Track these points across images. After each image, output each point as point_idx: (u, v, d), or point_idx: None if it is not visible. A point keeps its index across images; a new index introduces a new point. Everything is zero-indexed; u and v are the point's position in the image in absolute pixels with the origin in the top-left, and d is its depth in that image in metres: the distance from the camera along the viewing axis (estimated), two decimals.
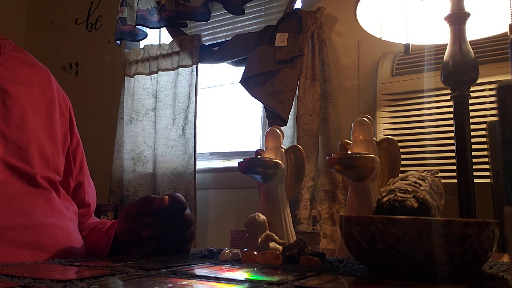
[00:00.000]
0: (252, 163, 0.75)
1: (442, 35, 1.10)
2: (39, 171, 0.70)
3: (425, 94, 1.48)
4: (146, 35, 2.26)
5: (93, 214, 0.89)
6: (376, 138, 0.75)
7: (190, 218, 0.67)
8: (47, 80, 0.79)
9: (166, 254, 0.64)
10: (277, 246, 0.62)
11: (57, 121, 0.77)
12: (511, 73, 0.49)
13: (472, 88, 1.01)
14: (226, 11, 2.03)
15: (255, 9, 2.09)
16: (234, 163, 2.18)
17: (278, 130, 0.82)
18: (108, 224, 0.78)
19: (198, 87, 2.08)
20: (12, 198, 0.65)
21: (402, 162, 0.75)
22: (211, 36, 2.22)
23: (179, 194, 0.66)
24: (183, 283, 0.39)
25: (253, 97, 1.88)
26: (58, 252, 0.66)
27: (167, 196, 0.64)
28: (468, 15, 0.99)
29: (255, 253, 0.56)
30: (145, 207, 0.64)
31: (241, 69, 1.94)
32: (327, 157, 0.71)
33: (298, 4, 1.95)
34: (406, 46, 1.08)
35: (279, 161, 0.76)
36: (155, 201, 0.63)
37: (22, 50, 0.79)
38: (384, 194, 0.51)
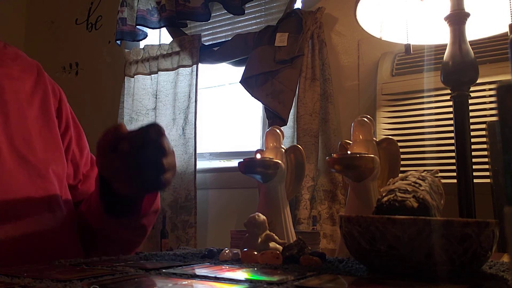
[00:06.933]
0: (252, 163, 0.75)
1: (442, 35, 1.10)
2: (43, 159, 0.72)
3: (425, 94, 1.48)
4: (146, 35, 2.26)
5: None
6: (376, 138, 0.75)
7: (168, 145, 0.64)
8: (37, 74, 0.81)
9: (147, 185, 0.63)
10: (277, 246, 0.62)
11: (53, 112, 0.80)
12: (511, 73, 0.49)
13: (472, 88, 1.01)
14: (226, 11, 2.03)
15: (255, 9, 2.09)
16: (234, 163, 2.18)
17: (278, 130, 0.82)
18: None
19: (198, 87, 2.08)
20: (12, 184, 0.66)
21: (402, 162, 0.75)
22: (211, 36, 2.22)
23: (157, 123, 0.63)
24: (183, 283, 0.39)
25: (253, 97, 1.88)
26: (45, 241, 0.67)
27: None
28: (468, 15, 0.99)
29: (255, 253, 0.56)
30: (115, 133, 0.62)
31: (241, 69, 1.94)
32: (327, 157, 0.71)
33: (298, 4, 1.95)
34: (407, 46, 1.08)
35: (279, 161, 0.76)
36: (122, 125, 0.62)
37: (10, 46, 0.82)
38: (384, 194, 0.51)
